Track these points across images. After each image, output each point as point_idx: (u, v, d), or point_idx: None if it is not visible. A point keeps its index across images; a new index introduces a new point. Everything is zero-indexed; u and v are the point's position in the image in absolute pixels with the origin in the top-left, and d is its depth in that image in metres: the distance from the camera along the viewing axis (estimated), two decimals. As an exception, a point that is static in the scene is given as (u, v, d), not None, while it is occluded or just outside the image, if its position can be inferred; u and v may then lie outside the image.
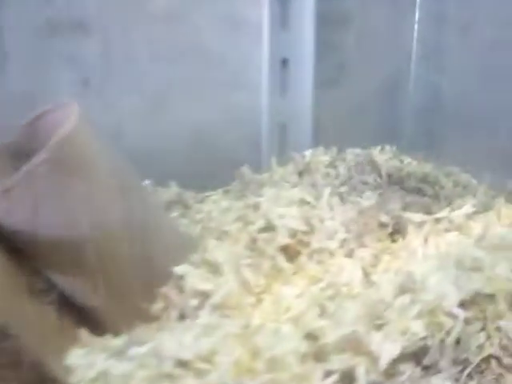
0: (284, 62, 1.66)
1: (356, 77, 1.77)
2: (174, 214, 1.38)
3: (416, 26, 1.79)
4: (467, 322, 0.89)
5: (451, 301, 0.90)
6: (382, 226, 1.18)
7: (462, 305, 0.90)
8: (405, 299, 0.93)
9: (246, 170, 1.50)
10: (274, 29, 1.63)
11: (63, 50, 1.61)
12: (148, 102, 1.59)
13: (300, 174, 1.45)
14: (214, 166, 1.60)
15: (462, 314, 0.88)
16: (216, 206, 1.39)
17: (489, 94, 1.65)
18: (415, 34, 1.80)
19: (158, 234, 1.12)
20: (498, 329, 0.91)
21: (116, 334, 0.98)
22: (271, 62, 1.64)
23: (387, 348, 0.85)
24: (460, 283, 0.95)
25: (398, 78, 1.83)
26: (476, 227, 1.20)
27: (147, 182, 1.49)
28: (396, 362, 0.85)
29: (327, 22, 1.70)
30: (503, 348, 0.87)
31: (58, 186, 0.97)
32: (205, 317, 0.99)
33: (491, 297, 0.94)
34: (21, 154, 1.08)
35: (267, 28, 1.62)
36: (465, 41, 1.71)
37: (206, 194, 1.51)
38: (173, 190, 1.52)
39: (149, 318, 1.03)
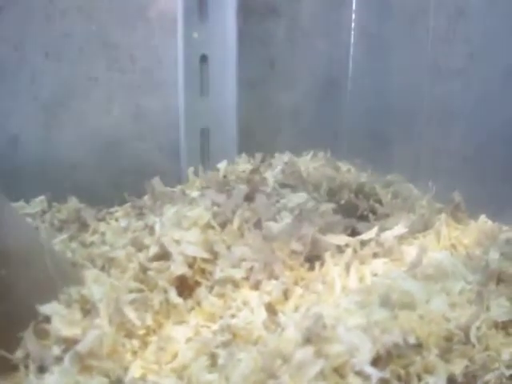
0: (203, 59, 1.46)
1: (287, 74, 1.58)
2: (64, 235, 1.16)
3: (353, 16, 1.59)
4: (384, 383, 0.68)
5: (363, 355, 0.70)
6: (295, 252, 0.98)
7: (377, 360, 0.70)
8: (307, 352, 0.72)
9: (156, 182, 1.30)
10: (190, 21, 1.45)
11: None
12: (44, 107, 1.37)
13: (214, 187, 1.24)
14: (124, 179, 1.40)
15: (375, 373, 0.68)
16: (113, 225, 1.20)
17: (437, 92, 1.45)
18: (353, 25, 1.60)
19: (23, 265, 0.93)
20: (426, 388, 0.71)
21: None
22: (188, 58, 1.45)
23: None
24: (379, 330, 0.75)
25: (335, 75, 1.64)
26: (410, 251, 1.00)
27: (42, 197, 1.29)
28: None
29: (252, 12, 1.51)
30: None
31: None
32: (61, 372, 0.77)
33: (418, 347, 0.74)
34: None
35: (182, 20, 1.43)
36: (410, 32, 1.50)
37: (111, 210, 1.30)
38: (71, 206, 1.31)
39: (8, 368, 0.85)
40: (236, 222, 1.08)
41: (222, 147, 1.52)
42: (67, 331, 0.86)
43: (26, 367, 0.85)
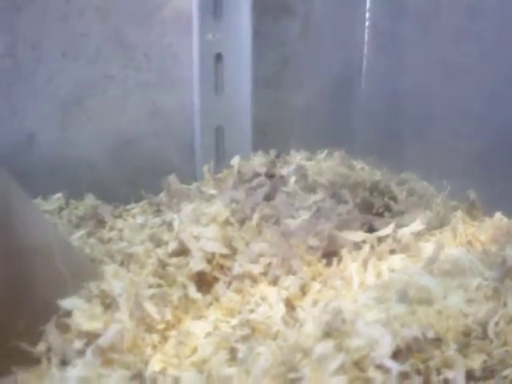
0: (218, 58, 1.47)
1: (300, 73, 1.59)
2: (82, 232, 1.18)
3: (367, 15, 1.59)
4: (404, 376, 0.69)
5: (383, 349, 0.71)
6: (313, 248, 0.99)
7: (397, 354, 0.71)
8: (327, 346, 0.73)
9: (173, 179, 1.31)
10: (205, 20, 1.46)
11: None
12: (61, 106, 1.38)
13: (231, 185, 1.25)
14: (140, 176, 1.41)
15: (395, 366, 0.69)
16: (131, 222, 1.21)
17: (450, 91, 1.46)
18: (367, 24, 1.60)
19: (45, 260, 0.93)
20: (446, 382, 0.71)
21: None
22: (203, 57, 1.46)
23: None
24: (401, 322, 0.76)
25: (349, 73, 1.64)
26: (427, 248, 1.01)
27: (59, 194, 1.31)
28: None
29: (266, 11, 1.51)
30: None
31: None
32: (84, 365, 0.78)
33: (437, 341, 0.75)
34: None
35: (197, 19, 1.44)
36: (424, 32, 1.50)
37: (127, 207, 1.31)
38: (88, 203, 1.32)
39: (30, 362, 0.85)
40: (255, 219, 1.08)
41: (236, 145, 1.53)
42: (88, 325, 0.87)
43: (48, 360, 0.86)
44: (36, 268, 0.93)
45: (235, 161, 1.37)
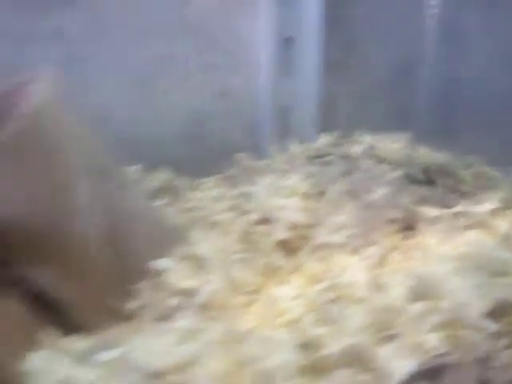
0: (288, 40, 1.51)
1: (367, 56, 1.63)
2: (162, 202, 1.23)
3: (433, 2, 1.63)
4: (495, 336, 0.73)
5: (475, 311, 0.75)
6: (392, 221, 1.03)
7: (490, 315, 0.75)
8: (419, 307, 0.78)
9: (243, 156, 1.36)
10: (276, 3, 1.48)
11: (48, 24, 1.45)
12: (136, 84, 1.43)
13: (303, 162, 1.29)
14: (209, 152, 1.46)
15: (490, 326, 0.73)
16: (208, 193, 1.26)
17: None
18: (432, 12, 1.63)
19: (136, 224, 0.99)
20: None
21: (86, 332, 0.86)
22: (273, 40, 1.50)
23: (398, 365, 0.70)
24: (483, 290, 0.80)
25: (414, 58, 1.67)
26: (501, 225, 1.05)
27: (136, 167, 1.35)
28: (409, 381, 0.69)
29: (336, -4, 1.54)
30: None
31: (16, 161, 0.84)
32: (185, 319, 0.84)
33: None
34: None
35: (268, 2, 1.46)
36: (488, 21, 1.53)
37: (200, 180, 1.36)
38: (164, 176, 1.37)
39: (123, 318, 0.90)
40: (333, 193, 1.13)
41: (303, 125, 1.56)
42: (183, 284, 0.92)
43: (140, 317, 0.91)
44: (132, 231, 0.98)
45: (303, 140, 1.41)
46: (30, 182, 0.87)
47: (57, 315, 0.89)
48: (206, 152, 1.47)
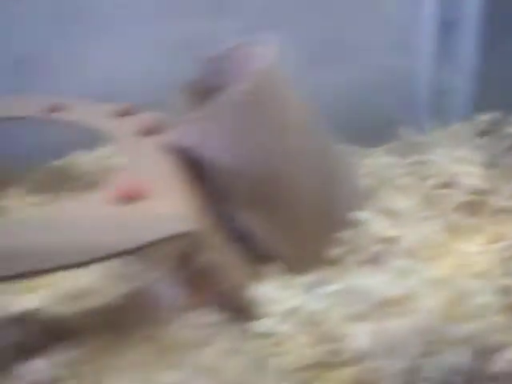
0: (448, 24, 1.60)
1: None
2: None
3: None
4: None
5: None
6: None
7: None
8: None
9: (407, 130, 1.46)
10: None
11: None
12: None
13: (467, 137, 1.39)
14: (371, 125, 1.56)
15: None
16: (381, 161, 1.36)
17: None
18: None
19: (340, 179, 1.11)
20: None
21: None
22: (434, 22, 1.60)
23: None
24: None
25: None
26: None
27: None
28: None
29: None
30: None
31: (253, 120, 0.96)
32: (396, 261, 0.94)
33: None
34: (206, 90, 1.07)
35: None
36: None
37: (370, 150, 1.47)
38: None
39: (329, 263, 1.02)
40: (506, 164, 1.22)
41: (460, 106, 1.65)
42: (387, 232, 1.04)
43: (346, 261, 1.03)
44: (337, 183, 1.10)
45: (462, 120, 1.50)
46: (265, 140, 0.98)
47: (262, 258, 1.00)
48: (371, 125, 1.57)
